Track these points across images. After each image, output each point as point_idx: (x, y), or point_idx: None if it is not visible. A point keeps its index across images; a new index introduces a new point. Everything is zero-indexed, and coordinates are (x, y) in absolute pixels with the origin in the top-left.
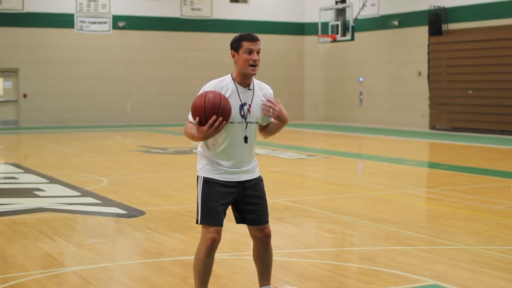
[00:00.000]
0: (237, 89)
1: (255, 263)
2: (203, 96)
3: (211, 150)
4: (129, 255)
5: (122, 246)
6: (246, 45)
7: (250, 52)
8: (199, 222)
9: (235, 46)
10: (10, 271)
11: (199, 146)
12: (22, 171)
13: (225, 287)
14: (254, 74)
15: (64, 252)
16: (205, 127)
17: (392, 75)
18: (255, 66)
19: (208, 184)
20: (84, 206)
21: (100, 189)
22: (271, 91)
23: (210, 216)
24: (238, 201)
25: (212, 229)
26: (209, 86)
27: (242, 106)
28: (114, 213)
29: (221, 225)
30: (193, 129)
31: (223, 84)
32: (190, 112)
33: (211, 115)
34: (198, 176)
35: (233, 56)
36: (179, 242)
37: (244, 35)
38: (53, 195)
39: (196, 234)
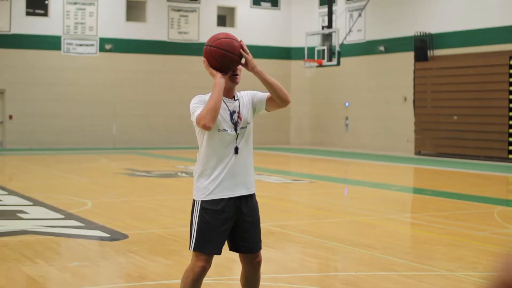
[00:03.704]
0: (224, 101)
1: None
2: (220, 42)
3: (207, 163)
4: (111, 279)
5: (105, 269)
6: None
7: None
8: (190, 248)
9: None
10: None
11: (197, 164)
12: (6, 193)
13: None
14: (237, 83)
15: (47, 276)
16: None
17: (377, 100)
18: (236, 75)
19: (205, 210)
20: (67, 229)
21: (84, 212)
22: (250, 91)
23: (205, 244)
24: (235, 226)
25: (203, 256)
26: (198, 99)
27: (232, 114)
28: (97, 236)
29: (218, 253)
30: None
31: None
32: (195, 109)
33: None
34: (194, 200)
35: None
36: (162, 266)
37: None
38: (36, 218)
39: (179, 258)
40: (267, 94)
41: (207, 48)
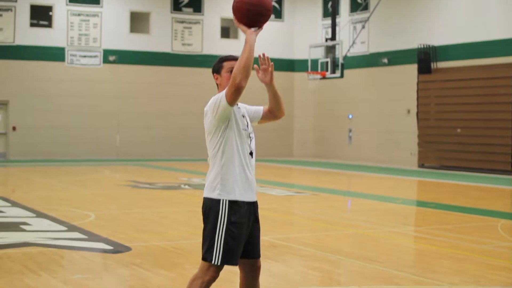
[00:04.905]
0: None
1: None
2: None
3: (226, 164)
4: None
5: (108, 282)
6: (227, 65)
7: (232, 70)
8: (219, 263)
9: (217, 68)
10: None
11: (212, 160)
12: (9, 204)
13: None
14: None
15: None
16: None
17: (381, 113)
18: None
19: (234, 213)
20: (70, 241)
21: (87, 224)
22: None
23: (233, 257)
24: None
25: (218, 267)
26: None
27: (243, 116)
28: (100, 249)
29: (235, 264)
30: (238, 59)
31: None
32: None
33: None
34: (216, 199)
35: (216, 79)
36: (165, 278)
37: (224, 57)
38: (39, 230)
39: (182, 271)
40: (262, 107)
41: (234, 5)
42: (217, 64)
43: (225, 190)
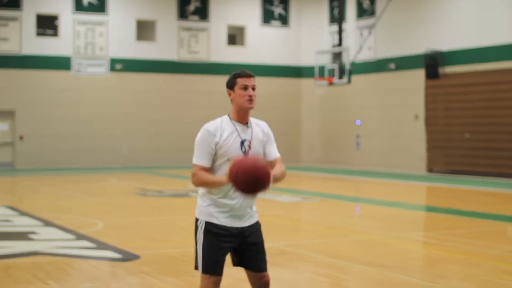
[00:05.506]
0: (235, 128)
1: None
2: (257, 167)
3: (215, 189)
4: None
5: None
6: (241, 81)
7: (246, 88)
8: (200, 271)
9: (230, 84)
10: None
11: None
12: (17, 213)
13: None
14: (252, 108)
15: None
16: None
17: (388, 118)
18: (251, 100)
19: (210, 232)
20: (78, 249)
21: (95, 232)
22: (266, 125)
23: (212, 266)
24: (237, 248)
25: (213, 278)
26: (209, 125)
27: (242, 143)
28: (109, 257)
29: (221, 274)
30: (208, 175)
31: (223, 126)
32: (196, 154)
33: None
34: (198, 218)
35: (229, 94)
36: (173, 286)
37: (239, 72)
38: (47, 238)
39: (191, 278)
40: (273, 156)
41: (233, 178)
42: (231, 80)
43: (202, 212)
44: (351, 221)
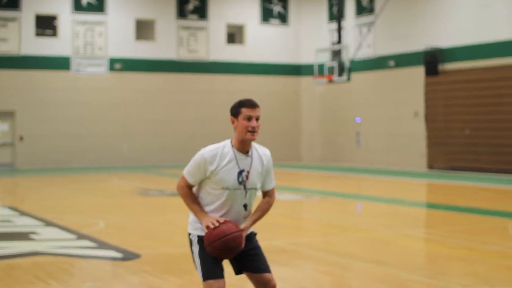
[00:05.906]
0: (235, 156)
1: None
2: (232, 238)
3: (208, 211)
4: None
5: None
6: (245, 111)
7: (249, 118)
8: (202, 279)
9: (234, 112)
10: None
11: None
12: (18, 214)
13: None
14: (253, 140)
15: None
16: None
17: (388, 115)
18: (254, 132)
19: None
20: (80, 249)
21: (96, 232)
22: (269, 154)
23: (212, 271)
24: (235, 256)
25: (216, 284)
26: (208, 152)
27: (240, 173)
28: (110, 257)
29: (223, 276)
30: (195, 205)
31: (223, 152)
32: (188, 170)
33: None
34: (190, 233)
35: (233, 122)
36: (175, 285)
37: (244, 101)
38: (49, 239)
39: (192, 277)
40: (267, 187)
41: (208, 243)
42: (235, 107)
43: (194, 227)
44: (352, 218)
